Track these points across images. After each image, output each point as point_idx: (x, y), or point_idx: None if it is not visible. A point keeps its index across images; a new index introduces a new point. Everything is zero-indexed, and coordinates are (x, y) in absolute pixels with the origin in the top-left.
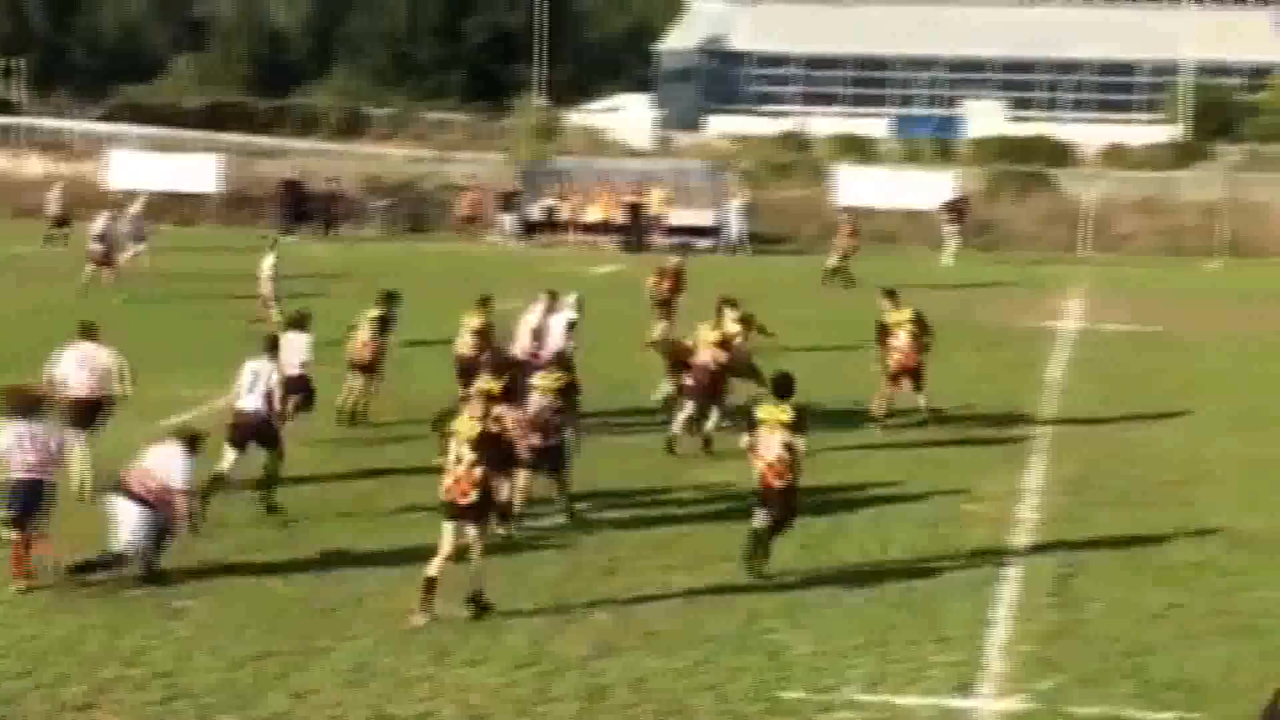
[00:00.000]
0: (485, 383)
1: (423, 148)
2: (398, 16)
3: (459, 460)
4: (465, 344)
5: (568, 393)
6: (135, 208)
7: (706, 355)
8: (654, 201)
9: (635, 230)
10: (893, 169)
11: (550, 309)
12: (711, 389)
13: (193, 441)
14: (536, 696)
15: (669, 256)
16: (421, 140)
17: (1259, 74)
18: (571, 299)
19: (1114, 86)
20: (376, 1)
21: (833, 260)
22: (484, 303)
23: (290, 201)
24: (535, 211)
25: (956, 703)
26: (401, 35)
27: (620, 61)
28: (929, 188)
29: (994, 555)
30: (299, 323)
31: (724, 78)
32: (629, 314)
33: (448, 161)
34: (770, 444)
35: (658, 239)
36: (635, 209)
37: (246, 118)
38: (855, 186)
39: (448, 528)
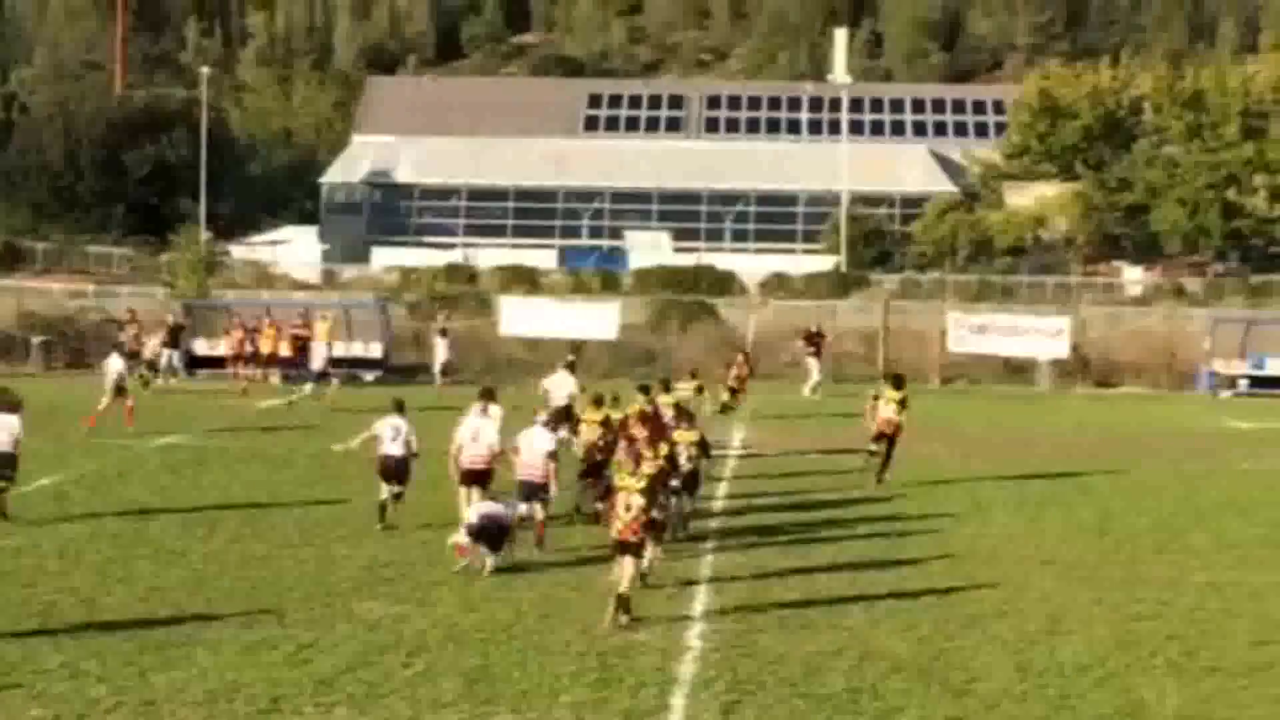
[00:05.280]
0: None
1: (84, 282)
2: (56, 149)
3: (629, 508)
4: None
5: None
6: None
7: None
8: (320, 334)
9: (302, 363)
10: (558, 300)
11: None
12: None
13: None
14: None
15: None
16: (83, 274)
17: (912, 204)
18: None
19: (774, 217)
20: (34, 134)
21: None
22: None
23: None
24: (199, 346)
25: None
26: (61, 168)
27: (285, 195)
28: (594, 318)
29: (661, 684)
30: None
31: (389, 210)
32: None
33: (110, 296)
34: (888, 410)
35: (324, 371)
36: (301, 341)
37: None
38: (520, 317)
39: (622, 560)
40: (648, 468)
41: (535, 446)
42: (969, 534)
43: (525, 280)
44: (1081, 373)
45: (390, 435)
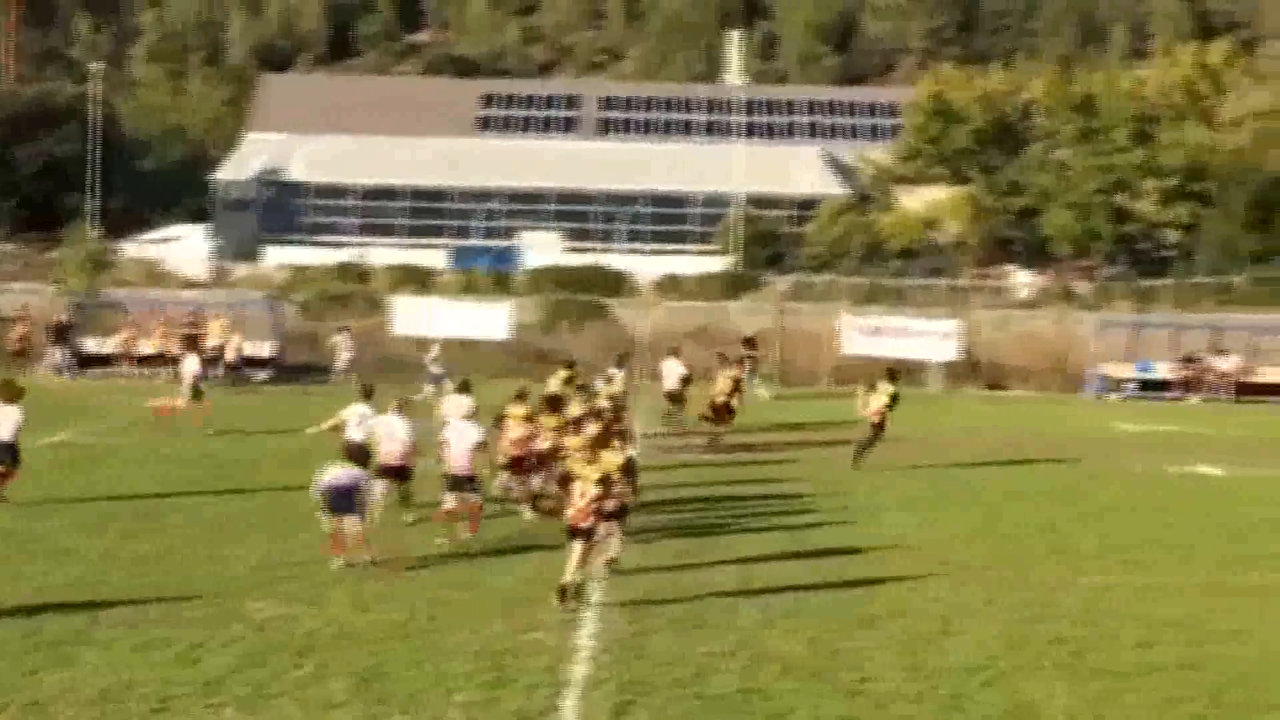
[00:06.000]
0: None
1: None
2: None
3: (583, 495)
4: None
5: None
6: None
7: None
8: (214, 332)
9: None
10: (451, 300)
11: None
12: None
13: None
14: None
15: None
16: None
17: (806, 206)
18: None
19: (668, 218)
20: None
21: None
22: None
23: None
24: (88, 343)
25: None
26: None
27: (177, 192)
28: (486, 318)
29: (554, 685)
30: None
31: (281, 209)
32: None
33: None
34: (879, 401)
35: (216, 370)
36: (192, 340)
37: None
38: (412, 317)
39: (573, 545)
40: (611, 457)
41: (463, 439)
42: (861, 534)
43: (417, 280)
44: (972, 375)
45: (355, 421)
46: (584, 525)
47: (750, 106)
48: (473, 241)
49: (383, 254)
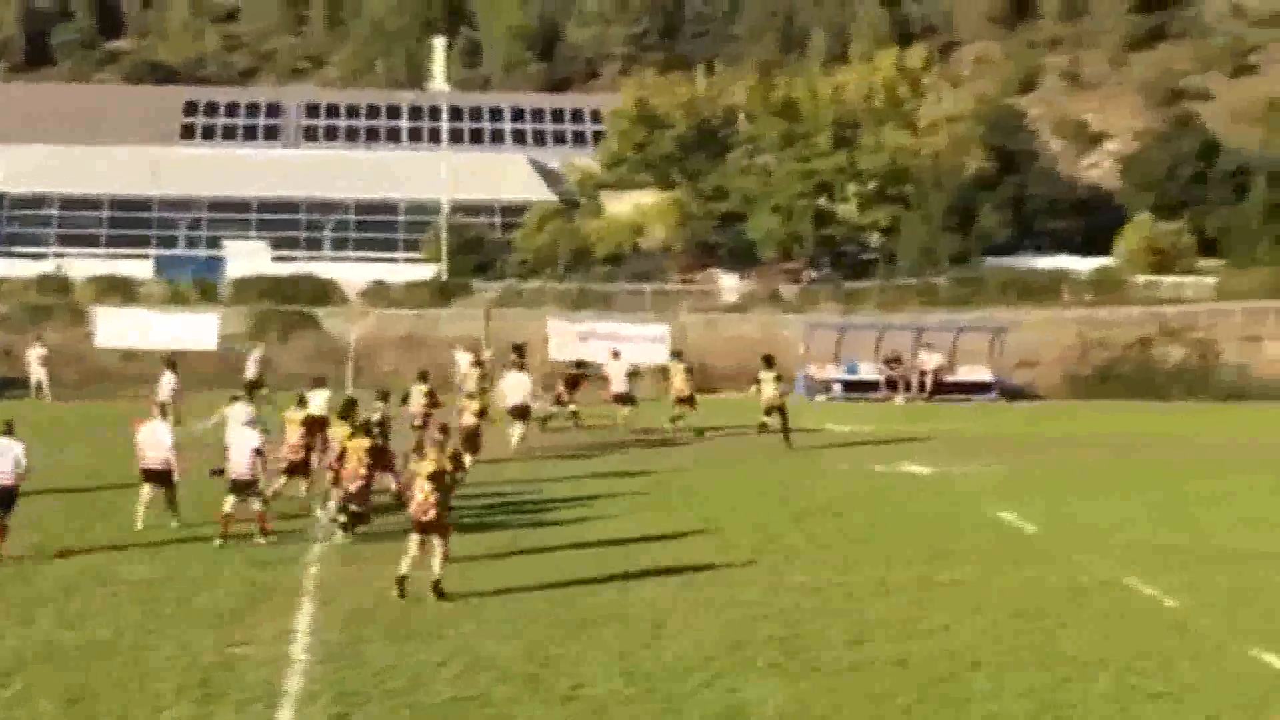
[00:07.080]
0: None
1: None
2: None
3: (421, 490)
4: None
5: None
6: None
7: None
8: None
9: None
10: (156, 310)
11: None
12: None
13: None
14: None
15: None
16: None
17: (513, 213)
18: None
19: (375, 225)
20: None
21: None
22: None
23: None
24: None
25: None
26: None
27: None
28: (193, 328)
29: (267, 698)
30: None
31: None
32: None
33: None
34: (768, 388)
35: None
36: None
37: None
38: (116, 328)
39: (413, 538)
40: (433, 455)
41: (243, 445)
42: (578, 535)
43: (121, 291)
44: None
45: (237, 420)
46: (426, 519)
47: (455, 113)
48: (177, 251)
49: (85, 265)
